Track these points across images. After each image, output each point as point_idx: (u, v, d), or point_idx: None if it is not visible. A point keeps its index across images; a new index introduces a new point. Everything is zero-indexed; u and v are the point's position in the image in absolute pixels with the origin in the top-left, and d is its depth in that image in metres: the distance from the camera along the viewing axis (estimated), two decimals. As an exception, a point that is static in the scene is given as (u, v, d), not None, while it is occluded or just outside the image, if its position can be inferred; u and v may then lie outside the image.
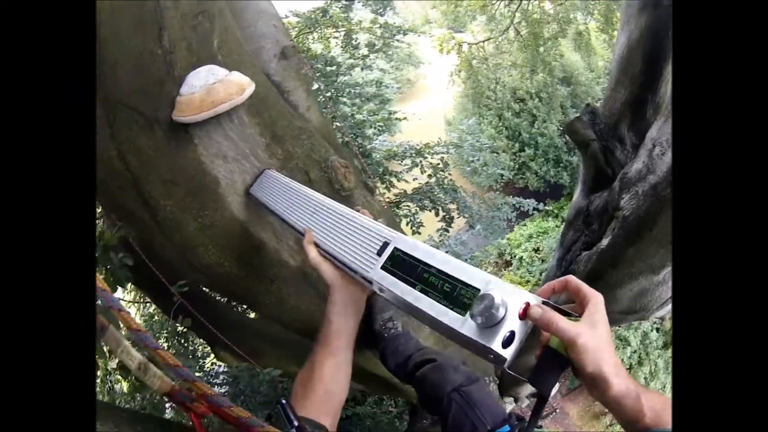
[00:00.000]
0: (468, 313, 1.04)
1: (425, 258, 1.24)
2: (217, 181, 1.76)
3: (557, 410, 11.91)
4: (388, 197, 6.21)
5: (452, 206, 6.48)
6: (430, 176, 6.43)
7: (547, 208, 14.85)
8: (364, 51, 6.97)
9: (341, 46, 6.89)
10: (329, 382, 1.38)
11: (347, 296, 1.45)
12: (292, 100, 2.27)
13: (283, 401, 1.25)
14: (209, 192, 1.77)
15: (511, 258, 15.03)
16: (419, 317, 1.20)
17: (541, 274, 13.84)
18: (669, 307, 2.91)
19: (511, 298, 1.02)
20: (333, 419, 1.37)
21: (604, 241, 2.79)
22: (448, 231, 6.53)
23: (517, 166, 16.06)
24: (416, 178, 6.53)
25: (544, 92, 15.55)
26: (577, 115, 3.33)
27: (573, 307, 1.09)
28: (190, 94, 1.56)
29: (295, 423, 1.17)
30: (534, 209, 7.60)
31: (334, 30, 6.78)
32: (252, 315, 4.51)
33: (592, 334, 0.98)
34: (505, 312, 1.00)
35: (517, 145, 16.18)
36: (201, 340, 5.30)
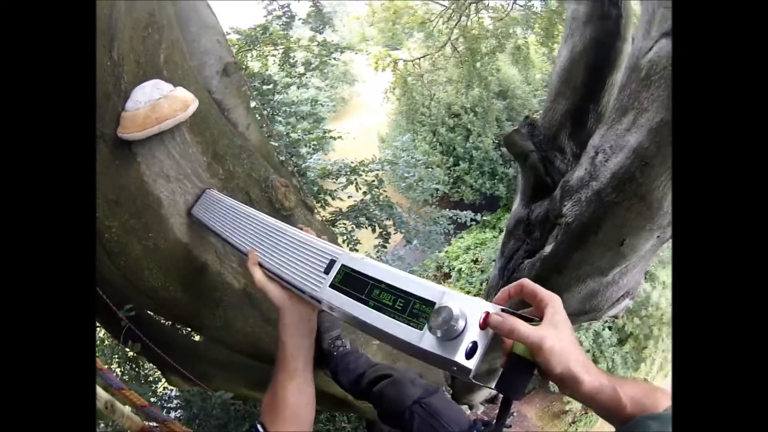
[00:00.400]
0: (426, 326, 1.02)
1: (375, 274, 1.21)
2: (160, 202, 1.69)
3: (514, 414, 12.03)
4: (324, 216, 6.15)
5: (388, 222, 6.46)
6: (365, 193, 6.40)
7: (485, 218, 15.08)
8: (301, 69, 6.93)
9: (279, 65, 6.84)
10: (294, 404, 1.35)
11: (297, 317, 1.41)
12: (232, 118, 2.22)
13: (258, 426, 1.24)
14: (152, 213, 1.69)
15: (450, 270, 15.17)
16: (373, 334, 1.17)
17: (481, 284, 14.03)
18: (622, 305, 2.96)
19: (469, 308, 1.00)
20: None
21: (547, 248, 2.82)
22: (385, 247, 6.50)
23: (452, 181, 16.26)
24: (351, 196, 6.49)
25: (479, 106, 15.84)
26: (515, 127, 3.38)
27: (531, 311, 1.09)
28: (135, 109, 1.48)
29: None
30: (471, 221, 7.65)
31: (273, 48, 6.72)
32: (197, 338, 4.41)
33: (557, 336, 0.98)
34: (465, 323, 0.98)
35: (451, 159, 16.40)
36: (152, 365, 5.12)
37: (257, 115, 2.71)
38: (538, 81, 16.88)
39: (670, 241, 2.42)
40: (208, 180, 1.85)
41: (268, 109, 6.03)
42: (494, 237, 15.31)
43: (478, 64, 13.77)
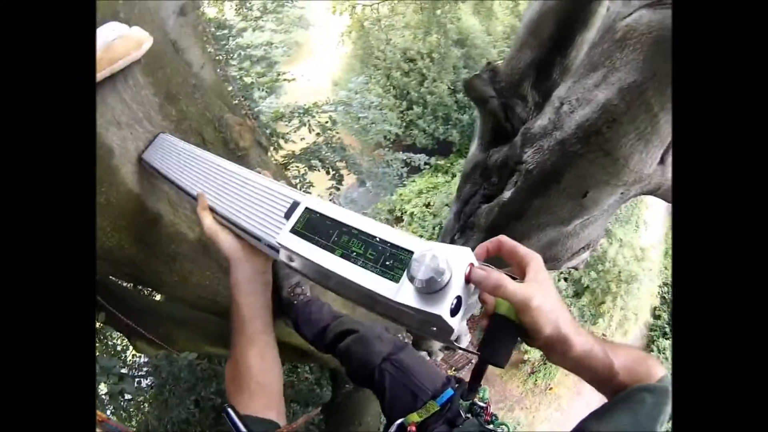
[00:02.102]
0: (404, 278, 0.92)
1: (344, 218, 1.09)
2: (112, 152, 1.57)
3: (472, 361, 12.26)
4: (277, 159, 6.07)
5: (341, 164, 6.37)
6: (318, 134, 6.30)
7: (438, 162, 15.13)
8: (257, 13, 6.73)
9: (235, 9, 6.64)
10: (258, 374, 1.26)
11: (251, 271, 1.31)
12: (187, 58, 2.12)
13: (228, 409, 1.15)
14: (104, 165, 1.57)
15: (402, 214, 15.25)
16: (339, 288, 1.09)
17: (434, 228, 14.17)
18: (583, 256, 3.01)
19: (454, 258, 0.90)
20: (278, 408, 1.27)
21: (506, 194, 2.82)
22: (338, 189, 6.45)
23: (404, 125, 16.18)
24: (304, 138, 6.39)
25: (436, 52, 15.69)
26: (476, 73, 3.34)
27: (509, 270, 0.99)
28: None
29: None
30: (425, 164, 7.63)
31: (230, -8, 6.54)
32: (157, 298, 4.33)
33: (544, 294, 0.90)
34: (450, 275, 0.88)
35: (404, 103, 16.29)
36: (118, 334, 5.03)
37: (212, 58, 2.62)
38: (498, 33, 16.77)
39: (633, 200, 2.46)
40: (160, 122, 1.74)
41: (222, 53, 5.87)
42: (447, 182, 15.43)
43: (438, 12, 13.52)
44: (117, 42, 1.40)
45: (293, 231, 1.15)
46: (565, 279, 13.02)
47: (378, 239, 1.02)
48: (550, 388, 13.58)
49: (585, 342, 0.92)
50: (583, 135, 2.22)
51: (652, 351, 13.85)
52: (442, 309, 0.86)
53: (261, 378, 1.26)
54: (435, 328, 0.91)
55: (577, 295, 13.25)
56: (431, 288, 0.87)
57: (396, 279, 0.94)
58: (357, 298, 1.05)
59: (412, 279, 0.89)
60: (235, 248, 1.31)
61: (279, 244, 1.16)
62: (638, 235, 13.96)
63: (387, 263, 0.97)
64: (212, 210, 1.36)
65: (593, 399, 1.02)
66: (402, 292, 0.91)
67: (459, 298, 0.89)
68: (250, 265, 1.31)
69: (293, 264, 1.17)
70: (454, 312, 0.88)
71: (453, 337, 0.92)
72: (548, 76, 3.07)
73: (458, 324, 0.90)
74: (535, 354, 12.51)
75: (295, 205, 1.20)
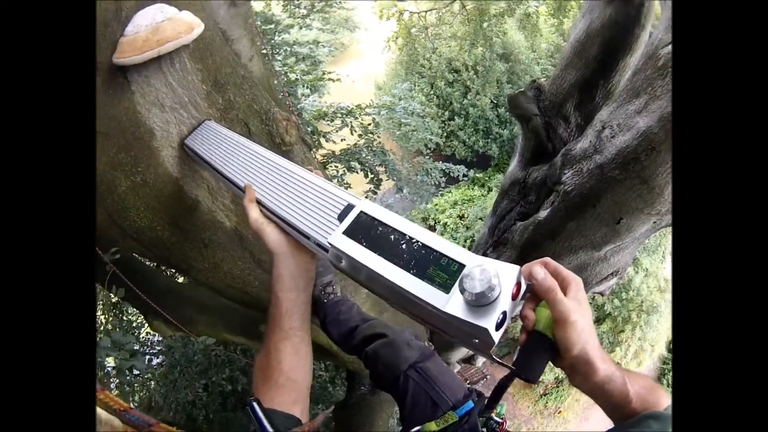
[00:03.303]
0: (455, 289, 0.93)
1: (399, 226, 1.10)
2: (152, 133, 1.59)
3: (488, 377, 12.23)
4: (317, 158, 6.11)
5: (380, 168, 6.39)
6: (360, 136, 6.32)
7: (476, 175, 15.10)
8: (304, 11, 6.79)
9: (283, 5, 6.70)
10: (290, 369, 1.26)
11: (295, 267, 1.29)
12: (236, 49, 2.14)
13: (254, 403, 1.15)
14: (143, 145, 1.59)
15: (435, 223, 15.21)
16: (386, 293, 1.08)
17: (466, 241, 14.09)
18: (610, 282, 2.99)
19: (504, 275, 0.92)
20: (303, 405, 1.27)
21: (542, 213, 2.82)
22: (375, 193, 6.45)
23: (445, 135, 16.17)
24: (344, 139, 6.43)
25: (480, 65, 15.65)
26: (521, 89, 3.35)
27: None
28: (134, 33, 1.36)
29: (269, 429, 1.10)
30: (464, 176, 7.62)
31: (279, -13, 6.62)
32: (180, 280, 4.37)
33: (581, 313, 0.93)
34: (500, 291, 0.90)
35: (447, 113, 16.29)
36: (135, 310, 5.08)
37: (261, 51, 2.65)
38: (543, 50, 16.70)
39: (662, 230, 2.45)
40: (206, 110, 1.74)
41: (268, 48, 5.94)
42: (482, 195, 15.37)
43: (484, 24, 13.49)
44: (166, 24, 1.39)
45: (346, 233, 1.16)
46: (590, 303, 12.93)
47: (430, 248, 1.03)
48: (559, 412, 13.45)
49: (607, 368, 0.94)
50: (623, 161, 2.22)
51: (662, 384, 13.73)
52: (489, 323, 0.88)
53: (292, 373, 1.26)
54: (477, 340, 0.92)
55: (598, 321, 13.12)
56: (481, 302, 0.89)
57: (446, 289, 0.95)
58: (401, 303, 1.05)
59: (463, 291, 0.90)
60: (281, 243, 1.30)
61: (331, 244, 1.16)
62: (663, 266, 13.78)
63: (437, 273, 0.98)
64: (259, 203, 1.36)
65: (600, 425, 1.02)
66: (452, 303, 0.93)
67: (505, 313, 0.91)
68: (295, 261, 1.30)
69: (341, 264, 1.17)
70: (499, 326, 0.90)
71: (491, 350, 0.93)
72: (591, 98, 3.07)
73: (499, 338, 0.91)
74: (549, 376, 12.44)
75: (349, 207, 1.21)
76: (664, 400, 0.97)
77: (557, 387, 13.12)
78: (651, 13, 2.88)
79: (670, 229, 2.60)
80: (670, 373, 14.10)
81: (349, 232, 1.15)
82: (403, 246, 1.06)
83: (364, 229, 1.14)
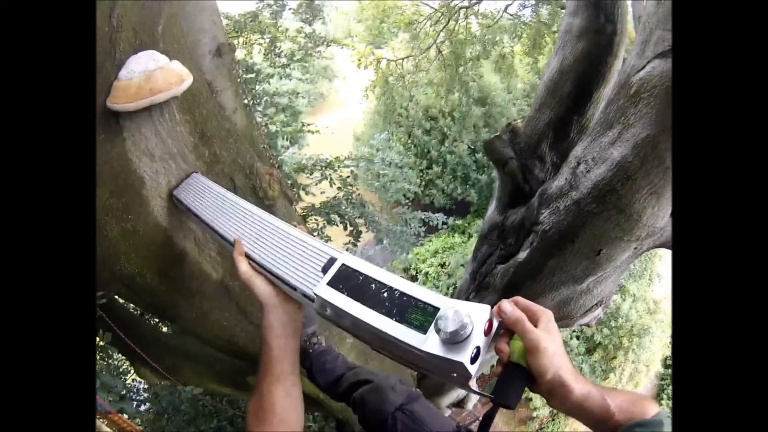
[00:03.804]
0: (431, 330, 1.02)
1: (377, 276, 1.20)
2: (143, 182, 1.63)
3: (479, 419, 12.04)
4: (297, 210, 6.13)
5: (360, 220, 6.43)
6: (339, 189, 6.39)
7: (455, 222, 15.12)
8: (285, 60, 6.90)
9: (264, 54, 6.81)
10: (282, 411, 1.31)
11: (284, 316, 1.37)
12: (221, 101, 2.18)
13: None
14: (134, 193, 1.63)
15: (417, 273, 15.18)
16: (369, 338, 1.16)
17: (448, 288, 14.06)
18: (595, 313, 3.01)
19: (475, 314, 1.01)
20: None
21: (522, 255, 2.85)
22: (355, 245, 6.47)
23: (424, 184, 16.24)
24: (324, 192, 6.47)
25: (457, 111, 15.87)
26: (492, 134, 3.41)
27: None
28: (128, 79, 1.41)
29: None
30: (443, 224, 7.67)
31: (260, 36, 6.70)
32: (165, 329, 4.35)
33: (551, 340, 1.02)
34: (472, 328, 0.99)
35: (424, 162, 16.39)
36: (121, 355, 5.01)
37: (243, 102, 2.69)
38: (519, 90, 17.01)
39: (647, 254, 2.47)
40: (193, 162, 1.79)
41: (249, 98, 6.00)
42: (463, 242, 15.39)
43: (460, 69, 13.77)
44: (158, 73, 1.45)
45: (329, 284, 1.25)
46: (578, 337, 12.89)
47: (407, 294, 1.12)
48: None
49: (582, 388, 1.00)
50: (599, 194, 2.26)
51: (662, 399, 13.67)
52: (464, 357, 0.97)
53: (285, 415, 1.31)
54: (455, 374, 1.00)
55: (589, 352, 13.10)
56: (455, 339, 0.98)
57: (423, 331, 1.04)
58: (384, 346, 1.13)
59: (438, 331, 1.00)
60: (270, 294, 1.37)
61: (316, 295, 1.24)
62: (651, 288, 13.86)
63: (415, 316, 1.08)
64: (247, 256, 1.43)
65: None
66: (429, 342, 1.01)
67: (478, 348, 1.00)
68: (283, 311, 1.37)
69: (326, 313, 1.25)
70: (473, 360, 0.99)
71: (470, 382, 1.01)
72: (566, 136, 3.13)
73: (476, 371, 1.00)
74: (543, 411, 12.38)
75: (332, 260, 1.30)
76: (650, 409, 1.00)
77: (552, 420, 13.01)
78: (624, 41, 2.96)
79: (655, 251, 2.63)
80: (669, 387, 14.04)
81: (333, 283, 1.25)
82: (383, 294, 1.16)
83: (346, 280, 1.24)
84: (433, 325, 1.02)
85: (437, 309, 1.05)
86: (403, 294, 1.13)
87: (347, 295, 1.20)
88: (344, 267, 1.27)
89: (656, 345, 13.70)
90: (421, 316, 1.06)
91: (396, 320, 1.09)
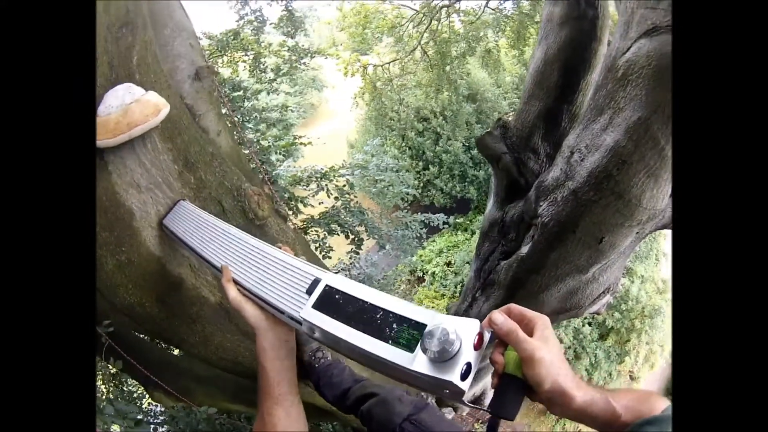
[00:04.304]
0: (418, 348, 0.99)
1: (362, 295, 1.17)
2: (132, 214, 1.62)
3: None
4: (296, 224, 6.11)
5: (360, 228, 6.44)
6: (336, 198, 6.39)
7: (457, 221, 15.14)
8: (271, 75, 6.90)
9: (249, 70, 6.82)
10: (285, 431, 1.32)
11: (275, 339, 1.37)
12: (203, 125, 2.17)
13: None
14: (124, 225, 1.62)
15: (423, 274, 15.19)
16: (358, 358, 1.14)
17: (456, 287, 14.06)
18: (603, 300, 2.99)
19: (463, 329, 0.98)
20: None
21: (524, 249, 2.83)
22: (358, 253, 6.50)
23: (422, 185, 16.25)
24: (322, 202, 6.48)
25: (448, 110, 15.93)
26: (485, 130, 3.39)
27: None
28: (106, 114, 1.40)
29: None
30: (444, 224, 7.68)
31: (244, 53, 6.71)
32: (176, 352, 4.34)
33: (547, 349, 0.99)
34: (460, 344, 0.96)
35: (420, 163, 16.42)
36: (135, 381, 5.02)
37: (228, 123, 2.68)
38: (507, 84, 17.06)
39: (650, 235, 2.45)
40: (179, 189, 1.79)
41: (238, 116, 6.00)
42: (467, 239, 15.40)
43: (447, 68, 13.79)
44: (134, 106, 1.44)
45: (315, 306, 1.22)
46: (589, 323, 12.89)
47: (392, 313, 1.09)
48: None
49: (584, 394, 0.97)
50: (595, 181, 2.24)
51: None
52: (453, 375, 0.94)
53: None
54: (447, 391, 0.97)
55: (602, 337, 13.10)
56: (443, 357, 0.95)
57: (410, 349, 1.01)
58: (374, 366, 1.10)
59: (425, 350, 0.96)
60: (260, 318, 1.37)
61: (302, 318, 1.22)
62: (659, 268, 13.85)
63: (402, 335, 1.05)
64: (236, 282, 1.42)
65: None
66: (417, 362, 0.98)
67: (469, 364, 0.96)
68: (274, 334, 1.37)
69: (315, 335, 1.24)
70: (464, 376, 0.95)
71: (467, 398, 0.98)
72: (557, 126, 3.11)
73: (468, 386, 0.96)
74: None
75: (316, 282, 1.28)
76: (658, 405, 0.98)
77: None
78: (606, 25, 2.94)
79: (659, 231, 2.61)
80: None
81: (318, 305, 1.23)
82: (369, 313, 1.13)
83: (331, 301, 1.22)
84: (419, 343, 0.99)
85: (424, 326, 1.02)
86: (388, 312, 1.10)
87: (333, 317, 1.18)
88: (328, 288, 1.25)
89: (668, 324, 13.68)
90: (408, 334, 1.04)
91: (382, 339, 1.06)
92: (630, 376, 13.77)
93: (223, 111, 2.53)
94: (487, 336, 1.03)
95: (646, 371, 13.93)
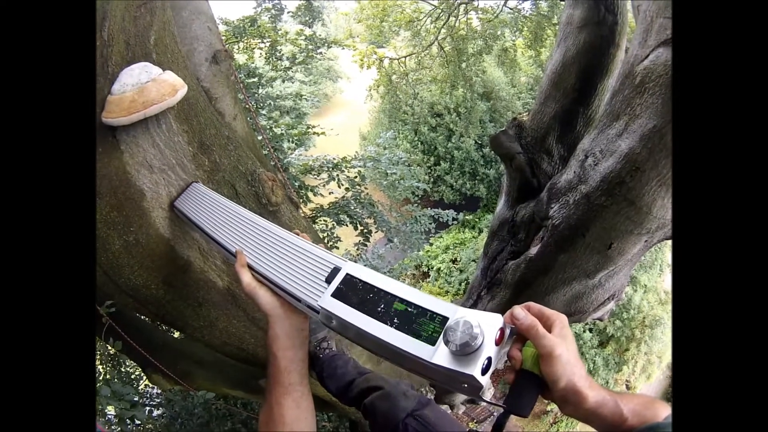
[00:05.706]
0: (440, 341, 0.98)
1: (383, 286, 1.15)
2: (142, 194, 1.61)
3: (494, 414, 12.06)
4: (305, 212, 6.12)
5: (369, 220, 6.45)
6: (347, 189, 6.39)
7: (465, 218, 15.13)
8: (286, 63, 6.90)
9: (265, 57, 6.82)
10: (292, 422, 1.29)
11: (289, 327, 1.34)
12: (219, 108, 2.16)
13: None
14: (134, 205, 1.61)
15: (429, 269, 15.18)
16: (377, 349, 1.12)
17: (460, 284, 14.06)
18: (607, 307, 2.97)
19: (486, 323, 0.97)
20: None
21: (533, 250, 2.81)
22: (365, 245, 6.50)
23: (432, 180, 16.24)
24: (332, 192, 6.47)
25: (462, 107, 15.87)
26: (498, 129, 3.37)
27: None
28: (121, 92, 1.39)
29: None
30: (453, 220, 7.65)
31: (260, 41, 6.70)
32: (176, 335, 4.36)
33: (566, 347, 0.98)
34: (483, 338, 0.94)
35: (432, 159, 16.40)
36: (133, 362, 5.03)
37: (243, 107, 2.67)
38: (523, 84, 17.01)
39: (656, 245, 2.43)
40: (193, 171, 1.77)
41: (252, 102, 5.98)
42: (474, 237, 15.39)
43: (463, 65, 13.73)
44: (150, 85, 1.43)
45: (334, 295, 1.21)
46: (590, 330, 12.88)
47: (414, 304, 1.08)
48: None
49: (597, 395, 0.97)
50: (608, 187, 2.22)
51: None
52: (474, 370, 0.93)
53: (295, 426, 1.29)
54: (465, 385, 0.96)
55: (602, 344, 13.09)
56: (465, 351, 0.94)
57: (431, 342, 1.00)
58: (392, 357, 1.09)
59: (447, 343, 0.95)
60: (274, 305, 1.34)
61: (321, 306, 1.21)
62: (662, 278, 13.83)
63: (423, 327, 1.03)
64: (250, 267, 1.40)
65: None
66: (438, 354, 0.97)
67: (489, 359, 0.96)
68: (289, 322, 1.34)
69: (332, 324, 1.21)
70: (484, 371, 0.94)
71: (480, 392, 0.96)
72: (572, 128, 3.07)
73: (486, 381, 0.95)
74: (556, 406, 12.50)
75: (336, 270, 1.26)
76: (662, 411, 0.99)
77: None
78: (625, 31, 2.91)
79: (665, 242, 2.59)
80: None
81: (337, 294, 1.21)
82: (387, 303, 1.11)
83: (351, 290, 1.20)
84: (442, 336, 0.98)
85: (446, 319, 1.01)
86: (410, 303, 1.08)
87: (352, 307, 1.16)
88: (349, 277, 1.23)
89: (668, 336, 13.68)
90: (430, 326, 1.02)
91: (403, 331, 1.05)
92: (626, 385, 13.78)
93: (239, 96, 2.52)
94: (507, 331, 1.02)
95: (643, 382, 13.93)
